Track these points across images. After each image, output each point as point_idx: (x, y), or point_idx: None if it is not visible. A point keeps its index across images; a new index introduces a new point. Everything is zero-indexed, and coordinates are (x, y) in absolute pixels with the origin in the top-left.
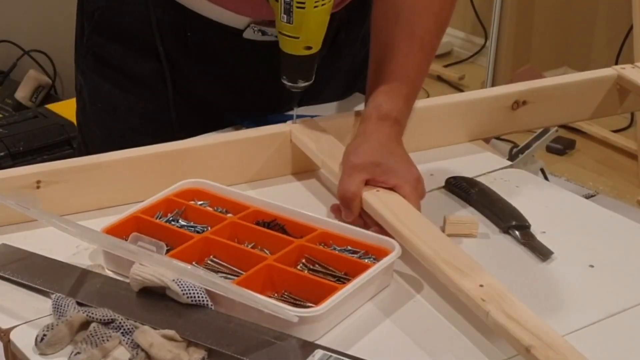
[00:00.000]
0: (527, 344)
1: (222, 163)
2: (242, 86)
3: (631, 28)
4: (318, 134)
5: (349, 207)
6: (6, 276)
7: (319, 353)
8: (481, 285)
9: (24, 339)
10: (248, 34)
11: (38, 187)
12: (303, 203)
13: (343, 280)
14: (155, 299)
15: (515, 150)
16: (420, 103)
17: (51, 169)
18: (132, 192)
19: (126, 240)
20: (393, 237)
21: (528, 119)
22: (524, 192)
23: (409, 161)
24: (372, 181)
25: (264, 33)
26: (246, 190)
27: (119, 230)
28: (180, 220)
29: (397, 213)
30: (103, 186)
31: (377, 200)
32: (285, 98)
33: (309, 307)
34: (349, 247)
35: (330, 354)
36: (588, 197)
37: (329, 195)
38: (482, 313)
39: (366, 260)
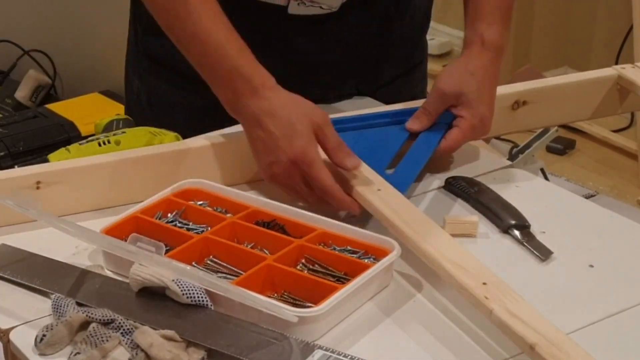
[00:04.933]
0: (531, 341)
1: (222, 163)
2: (294, 68)
3: (631, 28)
4: None
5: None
6: (6, 276)
7: (319, 353)
8: (484, 283)
9: (23, 339)
10: (292, 9)
11: (38, 188)
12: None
13: (343, 280)
14: (155, 299)
15: (515, 150)
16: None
17: (51, 169)
18: (132, 192)
19: (125, 240)
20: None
21: (528, 119)
22: (524, 192)
23: (485, 96)
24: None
25: (307, 4)
26: (246, 190)
27: (118, 231)
28: (180, 221)
29: (399, 212)
30: (103, 186)
31: (378, 200)
32: (339, 79)
33: (308, 307)
34: (349, 247)
35: (330, 354)
36: (588, 197)
37: None
38: (486, 311)
39: (366, 260)
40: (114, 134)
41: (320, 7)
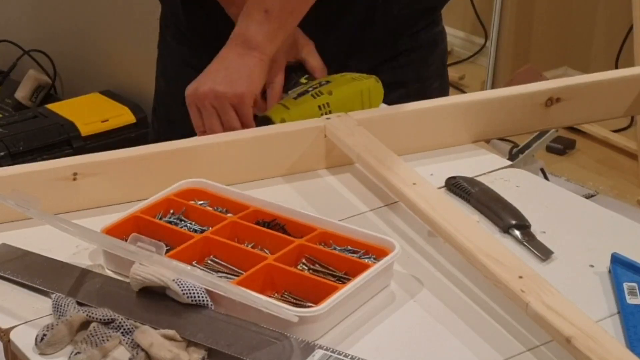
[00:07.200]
0: (567, 334)
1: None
2: None
3: (631, 28)
4: (352, 129)
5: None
6: (6, 276)
7: (319, 353)
8: (520, 277)
9: (24, 338)
10: None
11: (75, 179)
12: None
13: (343, 280)
14: (155, 299)
15: (515, 150)
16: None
17: (88, 160)
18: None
19: (126, 240)
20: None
21: (562, 116)
22: (524, 192)
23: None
24: None
25: None
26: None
27: (119, 230)
28: (180, 220)
29: (434, 206)
30: (136, 178)
31: (414, 193)
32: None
33: (309, 307)
34: (349, 247)
35: (330, 354)
36: (588, 197)
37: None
38: (522, 304)
39: (366, 260)
40: (320, 84)
41: None
